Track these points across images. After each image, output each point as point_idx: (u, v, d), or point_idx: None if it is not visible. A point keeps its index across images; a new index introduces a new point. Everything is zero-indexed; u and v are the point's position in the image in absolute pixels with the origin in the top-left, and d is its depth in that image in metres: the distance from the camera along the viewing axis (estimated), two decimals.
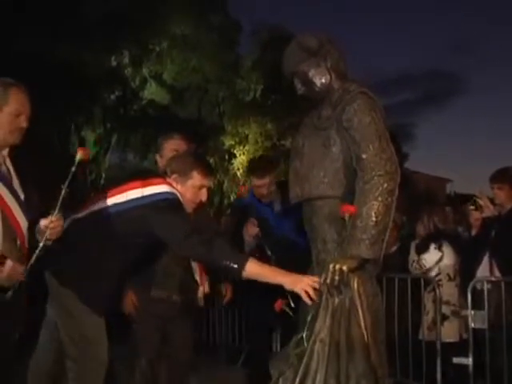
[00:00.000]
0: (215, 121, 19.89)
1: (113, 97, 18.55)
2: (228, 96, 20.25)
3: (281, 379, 3.39)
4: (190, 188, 3.58)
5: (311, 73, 3.46)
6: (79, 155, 3.26)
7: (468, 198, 6.66)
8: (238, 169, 19.10)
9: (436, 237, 5.98)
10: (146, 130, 17.29)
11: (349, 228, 3.17)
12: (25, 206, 3.11)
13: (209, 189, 3.74)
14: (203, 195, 3.63)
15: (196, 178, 3.59)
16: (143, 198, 3.40)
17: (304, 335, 3.26)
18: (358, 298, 3.08)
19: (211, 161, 19.13)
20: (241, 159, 19.20)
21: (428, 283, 5.91)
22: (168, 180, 3.53)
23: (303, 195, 3.44)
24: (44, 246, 3.13)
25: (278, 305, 3.64)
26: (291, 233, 4.58)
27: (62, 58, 15.40)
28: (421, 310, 5.97)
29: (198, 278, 4.42)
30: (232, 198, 18.35)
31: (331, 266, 3.09)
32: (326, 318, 3.10)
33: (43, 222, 3.09)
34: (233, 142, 19.55)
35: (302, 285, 3.12)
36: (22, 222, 3.08)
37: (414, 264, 5.98)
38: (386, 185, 3.13)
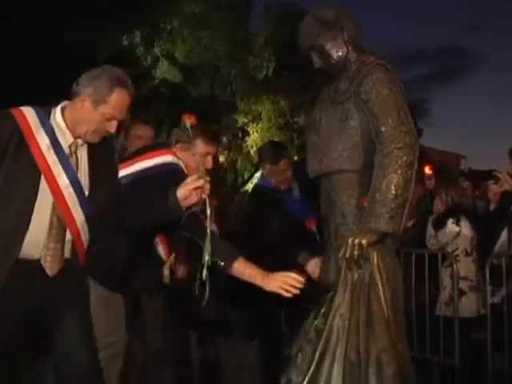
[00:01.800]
0: (228, 99, 19.81)
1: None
2: (240, 74, 20.17)
3: (299, 354, 3.38)
4: (194, 156, 3.57)
5: (328, 46, 3.42)
6: (188, 123, 3.27)
7: (483, 175, 6.60)
8: (252, 146, 19.03)
9: (454, 211, 5.92)
10: (159, 108, 17.26)
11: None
12: (85, 199, 2.90)
13: (214, 156, 3.72)
14: (208, 163, 3.60)
15: (199, 146, 3.58)
16: (147, 169, 3.43)
17: (323, 310, 3.25)
18: (377, 272, 3.06)
19: (224, 139, 19.13)
20: (254, 137, 19.13)
21: (445, 258, 5.86)
22: (173, 150, 3.55)
23: (321, 169, 3.41)
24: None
25: None
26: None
27: (74, 40, 15.39)
28: (438, 285, 5.94)
29: (162, 252, 4.38)
30: (246, 175, 18.32)
31: (350, 240, 3.07)
32: (346, 292, 3.09)
33: (187, 187, 2.91)
34: (246, 120, 19.49)
35: (275, 283, 3.17)
36: (77, 214, 2.88)
37: (431, 239, 5.93)
38: (405, 158, 3.09)
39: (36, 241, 2.80)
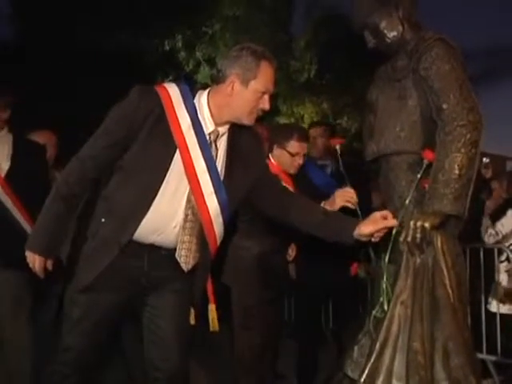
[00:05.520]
0: (270, 102, 19.75)
1: (167, 81, 18.58)
2: (282, 77, 20.06)
3: (356, 347, 3.27)
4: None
5: (382, 24, 3.29)
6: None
7: None
8: None
9: None
10: None
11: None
12: (221, 190, 2.73)
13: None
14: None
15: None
16: None
17: (381, 299, 3.11)
18: (441, 256, 2.90)
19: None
20: None
21: (501, 253, 5.65)
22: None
23: (379, 151, 3.27)
24: None
25: (354, 269, 3.52)
26: None
27: (116, 45, 15.52)
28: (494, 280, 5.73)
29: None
30: None
31: (412, 222, 2.92)
32: (408, 278, 2.95)
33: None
34: (288, 123, 19.39)
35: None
36: (211, 203, 2.72)
37: (489, 230, 5.72)
38: (469, 135, 2.93)
39: (158, 226, 2.68)
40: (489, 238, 5.74)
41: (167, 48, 18.50)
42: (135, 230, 2.65)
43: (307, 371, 5.01)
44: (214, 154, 2.72)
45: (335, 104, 19.58)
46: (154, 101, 2.66)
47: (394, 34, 3.28)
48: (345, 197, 3.53)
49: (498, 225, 5.65)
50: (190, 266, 2.75)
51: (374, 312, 3.17)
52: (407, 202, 3.10)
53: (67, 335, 2.75)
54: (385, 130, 3.22)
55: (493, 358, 5.57)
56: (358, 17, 3.36)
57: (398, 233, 3.04)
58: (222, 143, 2.79)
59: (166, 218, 2.68)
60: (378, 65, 3.54)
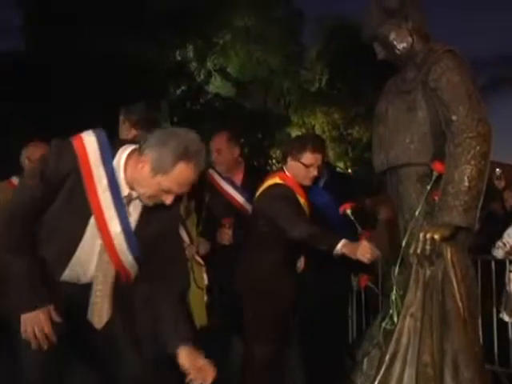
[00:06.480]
0: (281, 112, 19.80)
1: (179, 91, 18.67)
2: (293, 87, 20.15)
3: (365, 360, 3.25)
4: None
5: (391, 36, 3.29)
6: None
7: None
8: None
9: None
10: (213, 123, 17.30)
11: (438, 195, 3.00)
12: (136, 251, 2.75)
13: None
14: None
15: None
16: None
17: (391, 311, 3.10)
18: (451, 268, 2.89)
19: (278, 152, 19.06)
20: None
21: (510, 263, 5.59)
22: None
23: (389, 163, 3.26)
24: None
25: (363, 281, 3.49)
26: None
27: (127, 56, 15.62)
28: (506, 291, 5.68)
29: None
30: None
31: (421, 234, 2.92)
32: (417, 291, 2.94)
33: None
34: (299, 133, 19.41)
35: None
36: (125, 257, 2.74)
37: (497, 242, 5.67)
38: (478, 147, 2.92)
39: (77, 277, 2.74)
40: (497, 250, 5.68)
41: (178, 58, 18.62)
42: (59, 277, 2.71)
43: (316, 381, 5.00)
44: (128, 216, 2.71)
45: (346, 114, 19.65)
46: (71, 161, 2.60)
47: (404, 45, 3.28)
48: (366, 253, 3.45)
49: (505, 235, 5.60)
50: (102, 324, 2.76)
51: (383, 324, 3.16)
52: (417, 213, 3.09)
53: (25, 366, 2.72)
54: (394, 141, 3.21)
55: (505, 370, 5.51)
56: (367, 28, 3.37)
57: (408, 245, 3.04)
58: (135, 208, 2.74)
59: (83, 272, 2.73)
60: (388, 75, 3.54)
